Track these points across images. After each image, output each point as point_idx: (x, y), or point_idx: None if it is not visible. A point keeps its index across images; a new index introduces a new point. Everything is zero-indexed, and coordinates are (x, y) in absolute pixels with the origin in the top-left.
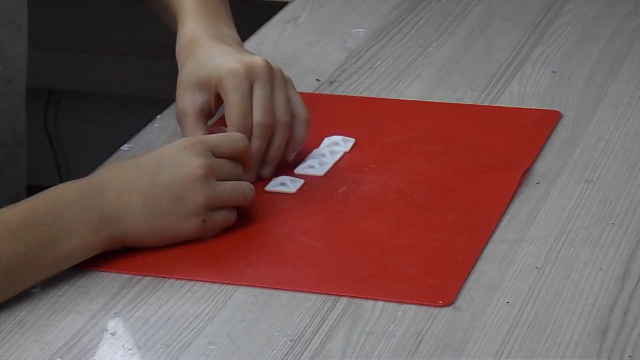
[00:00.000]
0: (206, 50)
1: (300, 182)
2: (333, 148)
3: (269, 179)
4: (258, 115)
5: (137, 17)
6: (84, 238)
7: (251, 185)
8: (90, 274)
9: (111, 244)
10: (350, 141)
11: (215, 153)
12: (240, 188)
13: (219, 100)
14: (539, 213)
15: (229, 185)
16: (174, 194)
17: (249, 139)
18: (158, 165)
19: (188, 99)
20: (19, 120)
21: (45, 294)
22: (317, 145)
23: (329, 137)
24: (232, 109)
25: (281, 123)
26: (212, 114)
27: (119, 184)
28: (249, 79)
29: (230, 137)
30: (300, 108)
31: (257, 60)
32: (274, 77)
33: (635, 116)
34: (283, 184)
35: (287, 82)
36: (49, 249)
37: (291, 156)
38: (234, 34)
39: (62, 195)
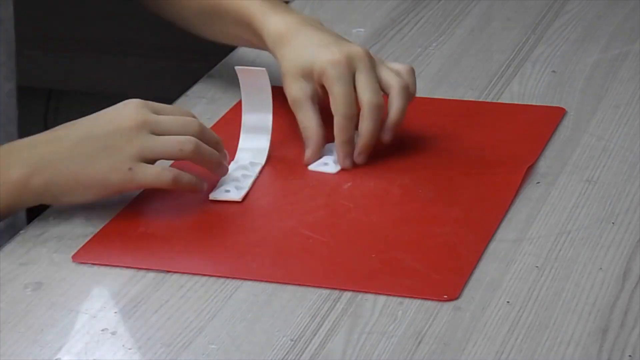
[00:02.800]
0: (304, 40)
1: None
2: None
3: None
4: (367, 96)
5: (137, 17)
6: (10, 193)
7: (193, 139)
8: (90, 274)
9: (40, 196)
10: None
11: (160, 113)
12: (175, 140)
13: (324, 91)
14: (539, 213)
15: (164, 137)
16: (104, 143)
17: (355, 127)
18: (95, 118)
19: (298, 88)
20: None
21: (45, 294)
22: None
23: (323, 157)
24: (338, 98)
25: (395, 87)
26: (321, 102)
27: (52, 135)
28: (351, 68)
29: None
30: (398, 79)
31: (356, 49)
32: (374, 64)
33: (635, 116)
34: (326, 164)
35: (382, 63)
36: None
37: (388, 136)
38: (317, 19)
39: None
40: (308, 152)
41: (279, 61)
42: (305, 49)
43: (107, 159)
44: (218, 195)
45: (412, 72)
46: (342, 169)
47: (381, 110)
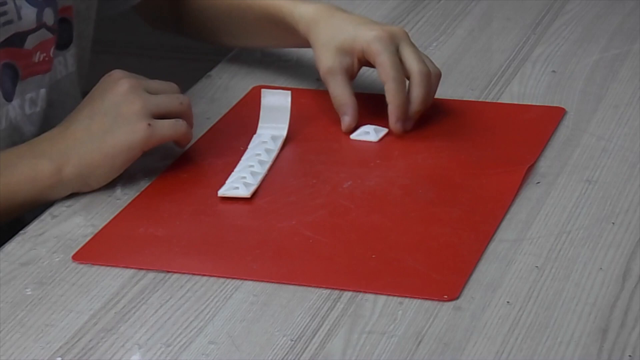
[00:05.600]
0: (339, 20)
1: (384, 131)
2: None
3: (353, 130)
4: (416, 65)
5: (137, 17)
6: (41, 186)
7: (187, 97)
8: (90, 273)
9: (72, 184)
10: (383, 131)
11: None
12: (174, 96)
13: (359, 68)
14: (539, 213)
15: (162, 95)
16: (113, 114)
17: (402, 92)
18: (90, 99)
19: (335, 60)
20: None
21: (45, 294)
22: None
23: (363, 126)
24: (387, 64)
25: (435, 73)
26: (354, 77)
27: (62, 129)
28: (394, 43)
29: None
30: (433, 66)
31: (395, 27)
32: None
33: (635, 116)
34: (367, 133)
35: (417, 49)
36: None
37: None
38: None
39: (12, 151)
40: (346, 119)
41: (313, 41)
42: (343, 27)
43: (123, 125)
44: (227, 192)
45: (439, 77)
46: (335, 167)
47: (430, 78)
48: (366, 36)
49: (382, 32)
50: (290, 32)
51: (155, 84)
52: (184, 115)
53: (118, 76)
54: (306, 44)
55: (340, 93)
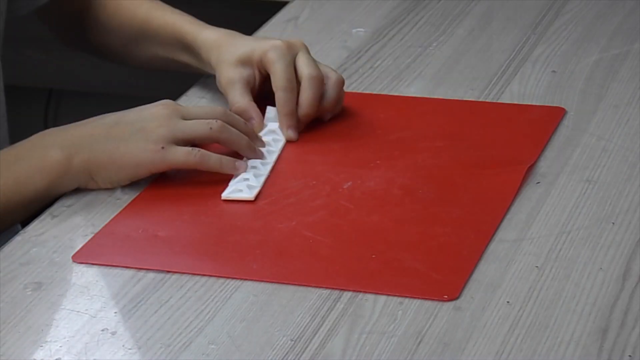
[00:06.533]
0: (239, 41)
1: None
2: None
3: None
4: (306, 70)
5: None
6: (51, 173)
7: (220, 122)
8: (90, 273)
9: (78, 177)
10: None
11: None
12: (204, 121)
13: (261, 78)
14: (539, 213)
15: (193, 120)
16: (137, 126)
17: (291, 100)
18: (128, 110)
19: (234, 71)
20: None
21: (45, 294)
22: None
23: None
24: (278, 73)
25: (332, 78)
26: (256, 89)
27: (85, 122)
28: (291, 52)
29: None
30: (334, 72)
31: (294, 39)
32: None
33: (635, 116)
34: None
35: (315, 60)
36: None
37: (327, 117)
38: None
39: (22, 144)
40: (253, 123)
41: (214, 62)
42: (243, 43)
43: (140, 140)
44: (230, 194)
45: (340, 83)
46: (336, 167)
47: (320, 82)
48: (263, 46)
49: (279, 42)
50: (195, 57)
51: (195, 110)
52: (214, 140)
53: (164, 101)
54: (211, 68)
55: (238, 100)
